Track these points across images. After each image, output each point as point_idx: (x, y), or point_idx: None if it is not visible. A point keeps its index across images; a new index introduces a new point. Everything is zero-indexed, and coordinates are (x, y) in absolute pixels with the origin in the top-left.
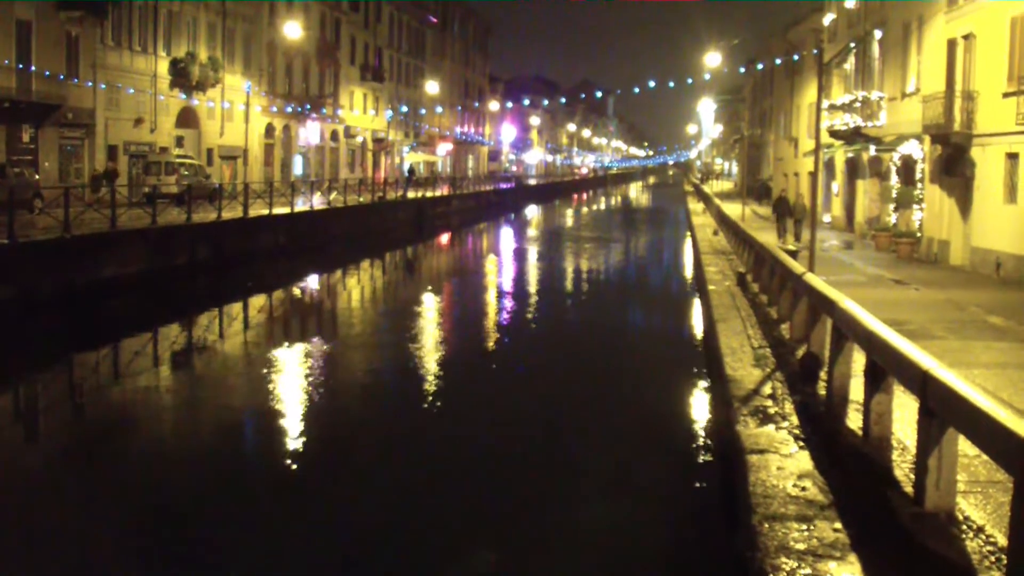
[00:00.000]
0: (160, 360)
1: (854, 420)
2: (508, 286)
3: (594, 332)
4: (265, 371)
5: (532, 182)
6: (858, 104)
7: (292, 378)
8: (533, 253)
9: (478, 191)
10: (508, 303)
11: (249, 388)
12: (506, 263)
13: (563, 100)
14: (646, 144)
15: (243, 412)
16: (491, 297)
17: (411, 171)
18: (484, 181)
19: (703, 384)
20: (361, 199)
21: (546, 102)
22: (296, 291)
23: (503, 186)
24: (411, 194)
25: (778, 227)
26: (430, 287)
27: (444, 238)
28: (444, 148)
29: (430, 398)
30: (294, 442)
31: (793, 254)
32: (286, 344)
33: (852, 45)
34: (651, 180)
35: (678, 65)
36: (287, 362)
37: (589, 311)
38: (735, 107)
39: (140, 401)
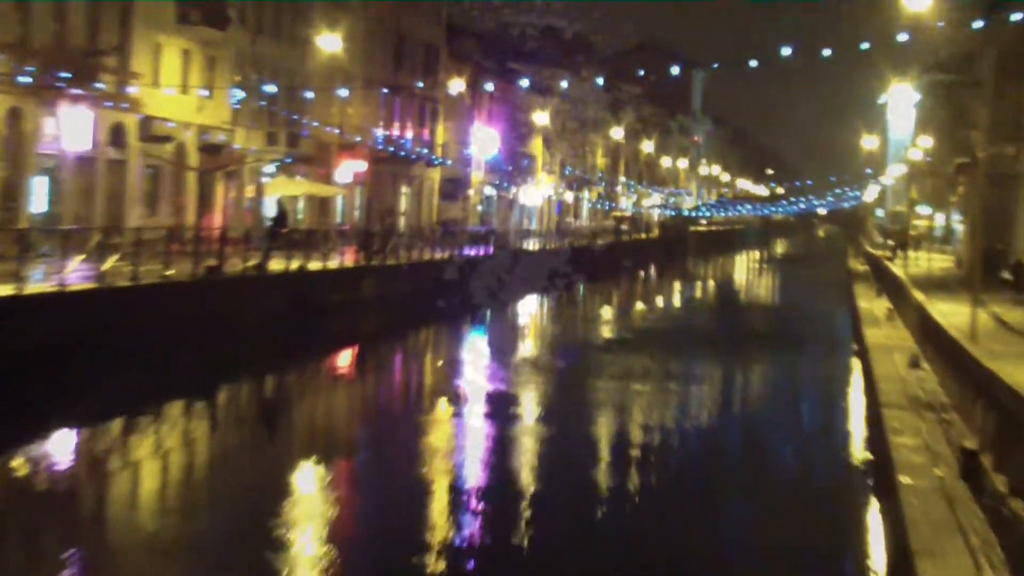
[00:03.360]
0: None
1: None
2: (475, 478)
3: None
4: None
5: (531, 245)
6: None
7: None
8: (527, 401)
9: (418, 261)
10: (475, 525)
11: None
12: (471, 425)
13: (600, 81)
14: (770, 174)
15: None
16: (442, 509)
17: (281, 215)
18: (432, 241)
19: None
20: (171, 271)
21: (565, 84)
22: None
23: (470, 252)
24: (277, 264)
25: None
26: (306, 485)
27: (343, 359)
28: (350, 170)
29: None
30: None
31: None
32: None
33: None
34: (779, 247)
35: (839, 18)
36: None
37: (650, 537)
38: (958, 99)
39: None
